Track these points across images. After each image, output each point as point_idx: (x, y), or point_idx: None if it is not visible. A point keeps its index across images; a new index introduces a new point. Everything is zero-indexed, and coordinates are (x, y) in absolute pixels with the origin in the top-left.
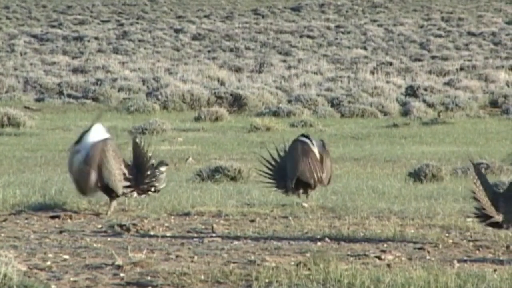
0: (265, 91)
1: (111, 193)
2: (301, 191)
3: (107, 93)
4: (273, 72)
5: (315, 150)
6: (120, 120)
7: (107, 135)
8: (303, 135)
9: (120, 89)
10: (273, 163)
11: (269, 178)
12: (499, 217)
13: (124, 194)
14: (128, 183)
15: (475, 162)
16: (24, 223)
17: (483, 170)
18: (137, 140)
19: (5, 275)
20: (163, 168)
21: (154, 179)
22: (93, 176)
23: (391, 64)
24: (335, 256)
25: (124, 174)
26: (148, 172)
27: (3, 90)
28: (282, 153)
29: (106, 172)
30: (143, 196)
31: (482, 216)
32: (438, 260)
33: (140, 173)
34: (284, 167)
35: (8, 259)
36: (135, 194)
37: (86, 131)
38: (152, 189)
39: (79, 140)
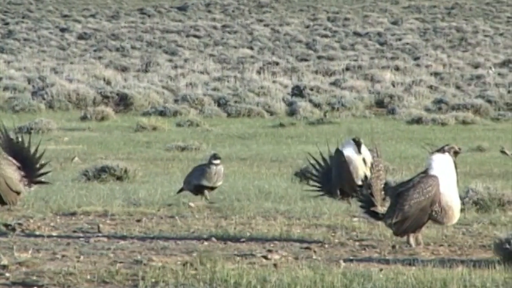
0: (152, 90)
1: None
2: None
3: None
4: (160, 71)
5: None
6: (5, 120)
7: None
8: (354, 139)
9: (5, 88)
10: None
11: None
12: (381, 209)
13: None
14: (24, 179)
15: (378, 146)
16: None
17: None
18: (12, 136)
19: None
20: (216, 161)
21: (43, 168)
22: None
23: (277, 64)
24: (221, 255)
25: (19, 168)
26: (37, 165)
27: None
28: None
29: (9, 181)
30: (37, 185)
31: (366, 202)
32: (324, 259)
33: (28, 166)
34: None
35: None
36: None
37: None
38: (43, 178)
39: None
